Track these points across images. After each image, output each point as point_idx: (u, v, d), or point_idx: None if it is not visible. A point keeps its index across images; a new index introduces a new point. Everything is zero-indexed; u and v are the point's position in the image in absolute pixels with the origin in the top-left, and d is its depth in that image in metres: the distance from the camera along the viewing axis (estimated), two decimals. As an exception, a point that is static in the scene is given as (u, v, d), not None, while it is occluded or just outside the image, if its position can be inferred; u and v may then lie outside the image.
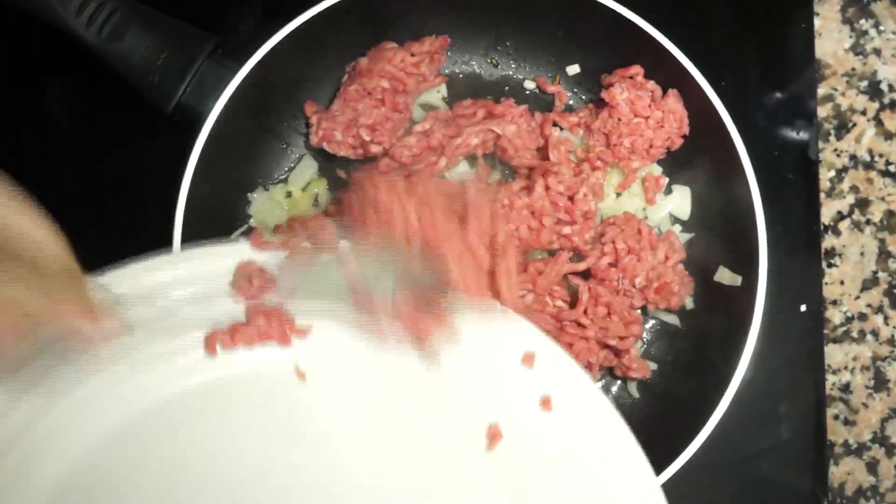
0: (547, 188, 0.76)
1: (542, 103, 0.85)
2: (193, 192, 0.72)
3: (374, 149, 0.78)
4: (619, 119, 0.78)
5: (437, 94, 0.84)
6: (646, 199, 0.81)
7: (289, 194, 0.82)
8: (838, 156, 0.89)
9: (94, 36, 0.73)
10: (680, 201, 0.82)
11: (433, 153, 0.79)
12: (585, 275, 0.78)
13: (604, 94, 0.79)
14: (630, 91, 0.78)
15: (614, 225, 0.78)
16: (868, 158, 0.89)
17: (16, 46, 0.88)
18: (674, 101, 0.78)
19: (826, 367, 0.85)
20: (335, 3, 0.74)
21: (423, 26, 0.81)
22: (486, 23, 0.82)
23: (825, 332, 0.86)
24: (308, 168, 0.82)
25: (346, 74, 0.81)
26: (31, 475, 0.54)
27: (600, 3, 0.76)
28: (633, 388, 0.80)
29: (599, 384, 0.80)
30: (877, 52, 0.90)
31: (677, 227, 0.82)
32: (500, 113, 0.80)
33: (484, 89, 0.84)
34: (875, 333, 0.87)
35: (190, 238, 0.70)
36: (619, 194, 0.82)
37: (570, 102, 0.85)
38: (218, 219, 0.78)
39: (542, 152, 0.80)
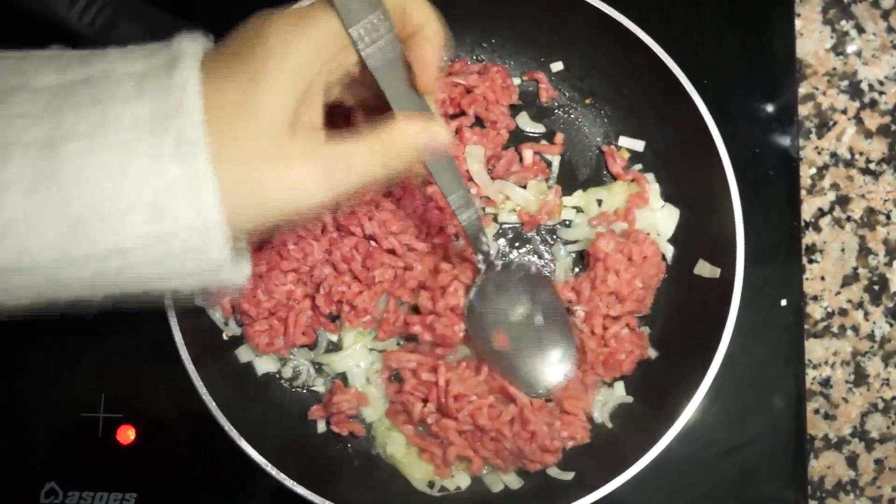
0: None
1: (525, 100, 0.86)
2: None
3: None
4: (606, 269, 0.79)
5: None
6: (626, 219, 0.82)
7: None
8: (819, 154, 0.91)
9: (86, 28, 0.74)
10: (667, 217, 0.83)
11: None
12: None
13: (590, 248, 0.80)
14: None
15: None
16: (848, 156, 0.91)
17: (7, 38, 0.89)
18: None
19: (806, 362, 0.86)
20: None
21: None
22: (472, 19, 0.83)
23: (806, 327, 0.87)
24: None
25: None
26: None
27: (585, 2, 0.77)
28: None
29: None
30: (857, 52, 0.92)
31: (661, 240, 0.83)
32: (460, 70, 0.81)
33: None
34: (855, 329, 0.88)
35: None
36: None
37: (555, 103, 0.86)
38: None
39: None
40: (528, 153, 0.84)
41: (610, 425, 0.79)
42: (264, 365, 0.79)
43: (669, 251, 0.82)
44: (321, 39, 0.50)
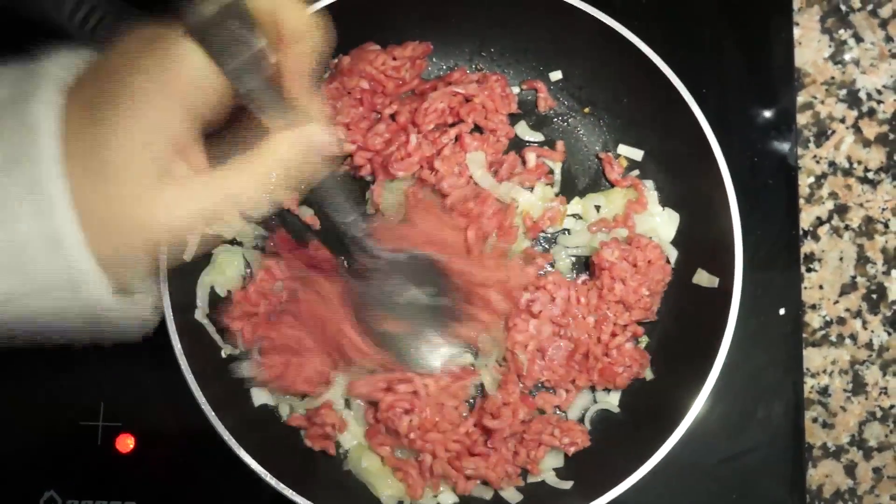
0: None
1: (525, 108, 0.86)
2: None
3: (348, 147, 0.80)
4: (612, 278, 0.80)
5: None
6: (625, 224, 0.82)
7: None
8: (818, 162, 0.91)
9: (87, 36, 0.74)
10: (667, 221, 0.83)
11: (403, 132, 0.80)
12: None
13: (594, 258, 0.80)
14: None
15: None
16: (847, 165, 0.91)
17: (10, 48, 0.89)
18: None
19: (805, 371, 0.86)
20: (323, 6, 0.75)
21: (407, 30, 0.82)
22: (471, 28, 0.83)
23: (804, 335, 0.87)
24: None
25: (326, 71, 0.82)
26: None
27: (584, 12, 0.77)
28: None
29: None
30: (855, 61, 0.92)
31: (663, 243, 0.83)
32: (459, 79, 0.81)
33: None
34: (853, 337, 0.89)
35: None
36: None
37: (554, 112, 0.86)
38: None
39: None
40: (531, 156, 0.84)
41: (589, 427, 0.80)
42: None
43: (673, 254, 0.82)
44: (185, 86, 0.47)
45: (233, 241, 0.80)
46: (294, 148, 0.51)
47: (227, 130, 0.54)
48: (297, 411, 0.78)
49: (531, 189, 0.83)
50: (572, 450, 0.78)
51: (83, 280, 0.45)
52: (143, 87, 0.46)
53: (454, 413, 0.77)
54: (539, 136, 0.86)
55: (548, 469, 0.78)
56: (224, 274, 0.79)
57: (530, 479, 0.79)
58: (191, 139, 0.49)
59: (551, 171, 0.85)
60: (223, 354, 0.77)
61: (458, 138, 0.82)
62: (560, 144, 0.85)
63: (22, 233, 0.43)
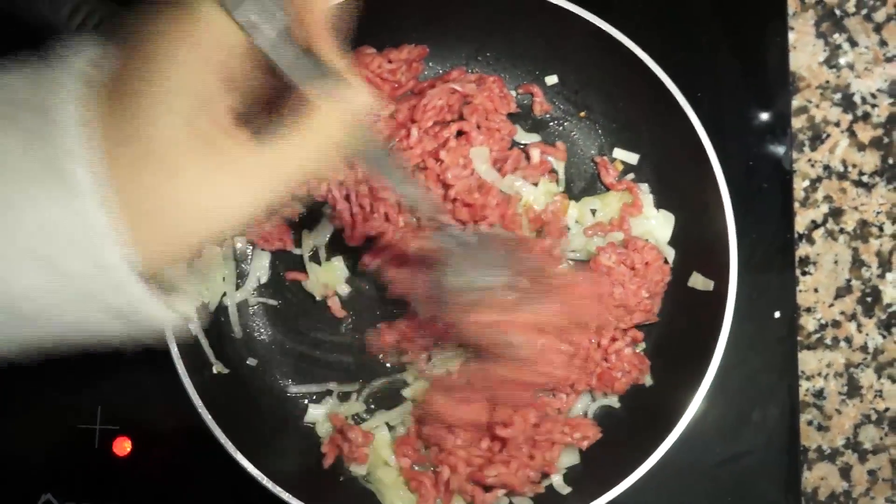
0: None
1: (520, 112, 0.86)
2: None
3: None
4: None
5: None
6: (621, 228, 0.83)
7: None
8: (812, 166, 0.91)
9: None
10: (663, 223, 0.83)
11: (402, 128, 0.80)
12: None
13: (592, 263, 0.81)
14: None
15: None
16: (842, 169, 0.91)
17: (5, 51, 0.89)
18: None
19: (800, 374, 0.87)
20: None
21: (404, 34, 0.82)
22: (467, 32, 0.84)
23: (799, 338, 0.88)
24: None
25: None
26: None
27: (579, 16, 0.77)
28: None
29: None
30: (850, 65, 0.93)
31: (660, 245, 0.83)
32: (457, 77, 0.81)
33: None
34: (848, 340, 0.89)
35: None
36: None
37: (549, 116, 0.87)
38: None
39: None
40: (535, 152, 0.84)
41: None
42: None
43: (671, 254, 0.82)
44: (217, 50, 0.44)
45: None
46: (340, 113, 0.47)
47: (269, 111, 0.51)
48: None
49: (535, 184, 0.83)
50: (585, 444, 0.78)
51: (121, 277, 0.42)
52: (173, 57, 0.43)
53: (483, 428, 0.77)
54: (536, 139, 0.86)
55: (563, 468, 0.79)
56: (205, 281, 0.77)
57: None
58: (233, 114, 0.45)
59: (554, 170, 0.85)
60: (214, 371, 0.76)
61: (461, 133, 0.82)
62: (561, 145, 0.86)
63: (53, 223, 0.40)
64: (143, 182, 0.42)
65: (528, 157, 0.84)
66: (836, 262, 0.90)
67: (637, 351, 0.81)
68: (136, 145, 0.42)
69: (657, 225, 0.83)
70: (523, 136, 0.86)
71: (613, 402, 0.81)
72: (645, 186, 0.84)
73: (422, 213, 0.65)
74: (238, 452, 0.69)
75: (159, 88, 0.42)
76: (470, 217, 0.79)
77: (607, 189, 0.85)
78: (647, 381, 0.80)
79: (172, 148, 0.42)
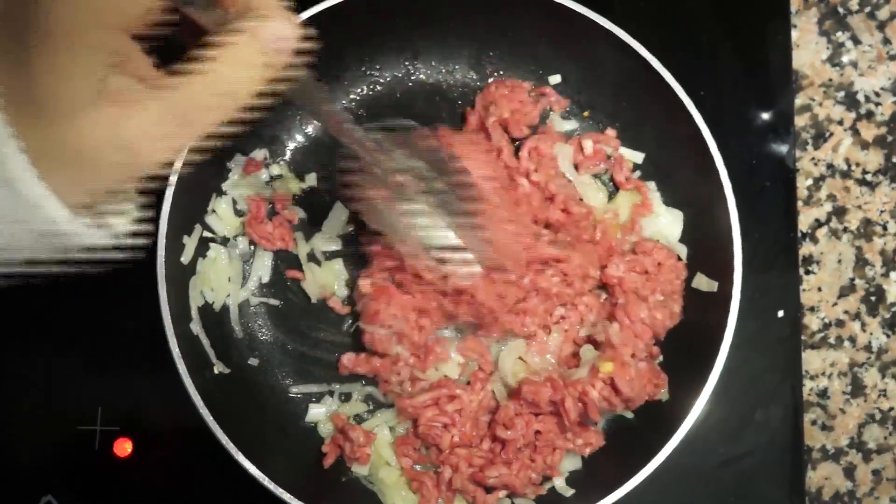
0: None
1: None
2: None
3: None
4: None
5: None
6: (633, 231, 0.82)
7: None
8: (816, 165, 0.91)
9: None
10: (672, 221, 0.82)
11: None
12: None
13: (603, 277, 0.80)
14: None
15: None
16: (845, 167, 0.91)
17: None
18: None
19: (804, 373, 0.86)
20: (318, 12, 0.75)
21: (407, 34, 0.82)
22: (470, 32, 0.83)
23: (803, 338, 0.87)
24: None
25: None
26: None
27: (583, 16, 0.77)
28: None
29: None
30: (853, 63, 0.92)
31: (671, 243, 0.82)
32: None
33: (468, 97, 0.86)
34: (852, 340, 0.89)
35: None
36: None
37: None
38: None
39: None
40: (587, 143, 0.83)
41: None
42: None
43: (683, 251, 0.82)
44: None
45: (224, 241, 0.80)
46: (251, 46, 0.45)
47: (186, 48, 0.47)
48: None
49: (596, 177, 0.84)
50: (588, 451, 0.77)
51: (30, 194, 0.41)
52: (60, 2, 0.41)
53: (484, 427, 0.77)
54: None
55: (565, 472, 0.78)
56: (209, 281, 0.78)
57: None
58: (129, 48, 0.44)
59: (609, 156, 0.84)
60: (215, 371, 0.76)
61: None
62: (610, 130, 0.85)
63: None
64: (39, 122, 0.41)
65: (581, 150, 0.84)
66: (839, 260, 0.90)
67: (654, 365, 0.78)
68: (27, 88, 0.41)
69: (667, 223, 0.82)
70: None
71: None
72: (652, 184, 0.84)
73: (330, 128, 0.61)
74: (239, 453, 0.69)
75: (43, 34, 0.41)
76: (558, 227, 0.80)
77: (615, 187, 0.85)
78: (664, 396, 0.77)
79: (60, 88, 0.41)
